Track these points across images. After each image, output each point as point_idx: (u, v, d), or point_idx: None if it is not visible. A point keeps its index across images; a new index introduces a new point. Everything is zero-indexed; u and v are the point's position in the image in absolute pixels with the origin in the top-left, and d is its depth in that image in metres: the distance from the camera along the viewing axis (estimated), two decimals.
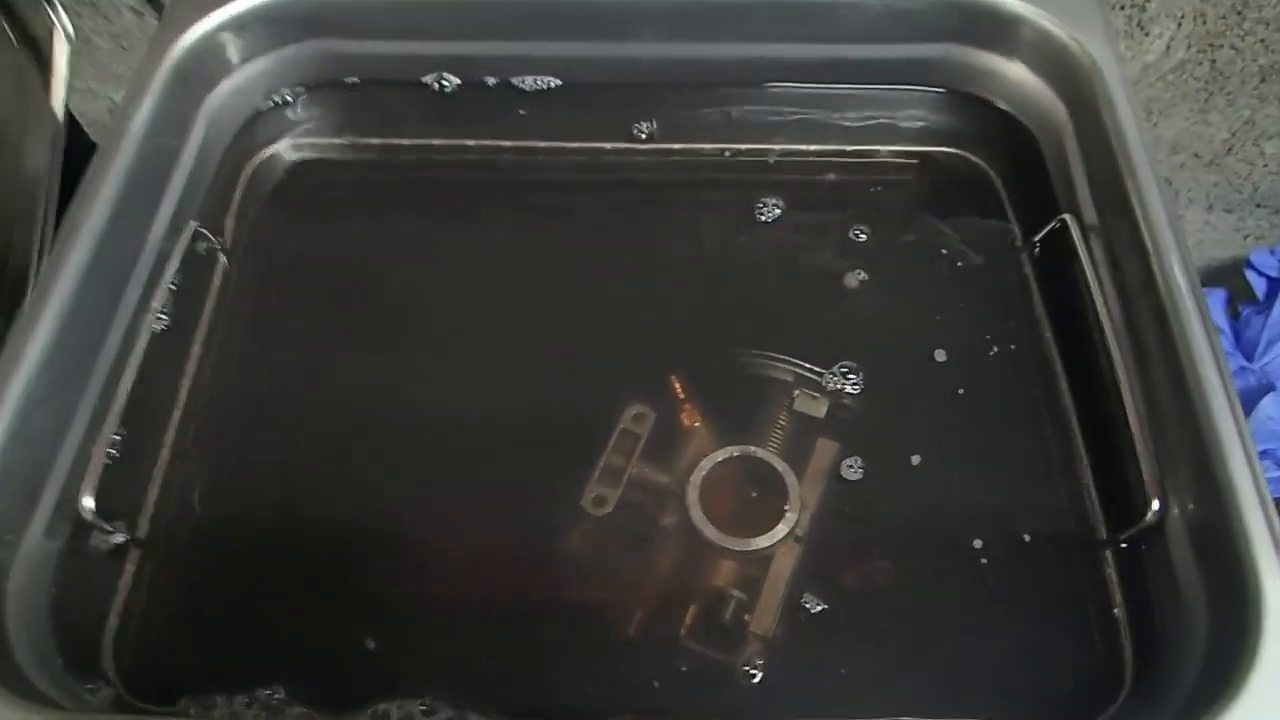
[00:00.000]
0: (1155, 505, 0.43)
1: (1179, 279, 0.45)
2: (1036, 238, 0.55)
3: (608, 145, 0.61)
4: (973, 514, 0.47)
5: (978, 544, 0.46)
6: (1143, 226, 0.47)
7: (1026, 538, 0.46)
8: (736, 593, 0.46)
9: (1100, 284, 0.50)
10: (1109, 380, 0.47)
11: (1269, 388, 0.92)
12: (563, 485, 0.49)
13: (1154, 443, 0.44)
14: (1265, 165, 0.95)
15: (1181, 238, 0.47)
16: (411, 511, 0.49)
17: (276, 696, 0.42)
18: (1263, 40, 0.84)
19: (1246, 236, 1.04)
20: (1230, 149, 0.94)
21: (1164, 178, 0.82)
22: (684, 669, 0.44)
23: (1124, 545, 0.45)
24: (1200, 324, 0.44)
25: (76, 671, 0.42)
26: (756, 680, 0.43)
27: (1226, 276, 1.06)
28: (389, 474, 0.50)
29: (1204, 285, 1.07)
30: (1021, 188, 0.58)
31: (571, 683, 0.44)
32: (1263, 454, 0.90)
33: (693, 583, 0.46)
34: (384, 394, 0.52)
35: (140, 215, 0.51)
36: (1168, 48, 0.85)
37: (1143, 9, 0.81)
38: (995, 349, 0.52)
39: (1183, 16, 0.82)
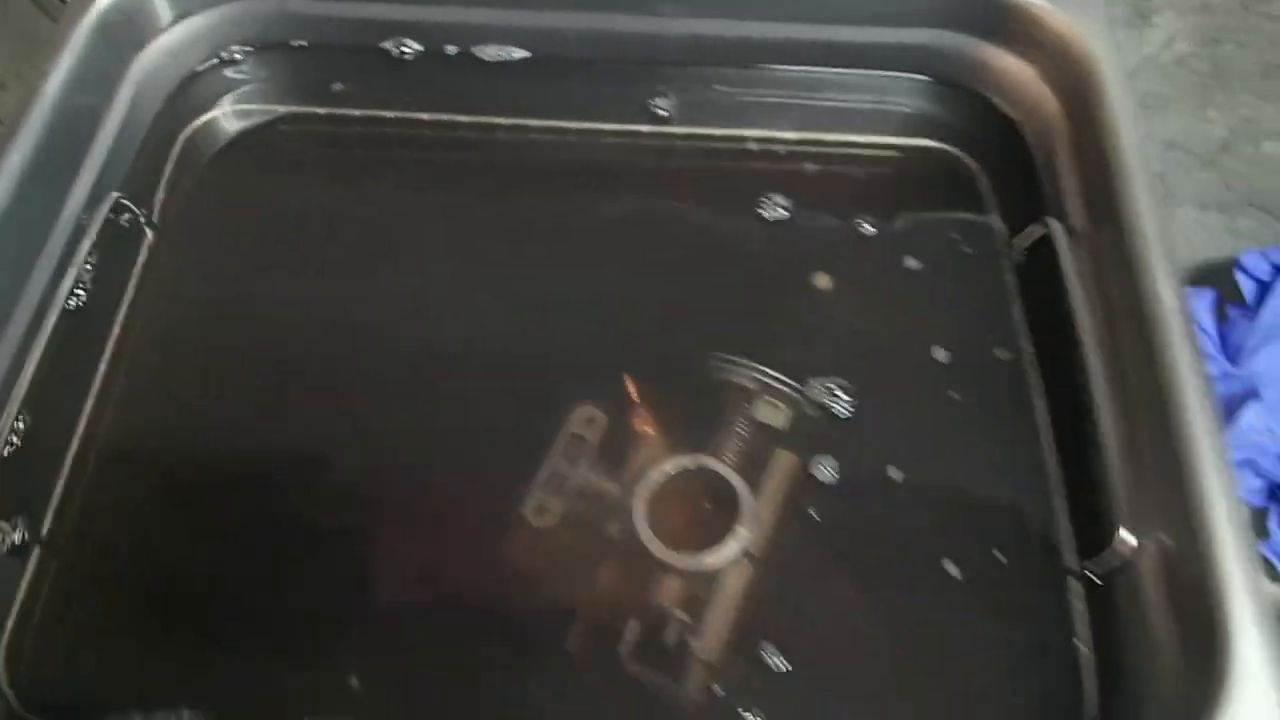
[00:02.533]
0: (1126, 536, 0.40)
1: (1166, 298, 0.42)
2: (1020, 242, 0.52)
3: (572, 125, 0.58)
4: (942, 533, 0.44)
5: (951, 567, 0.43)
6: (1130, 238, 0.44)
7: (998, 560, 0.43)
8: (683, 614, 0.43)
9: (1084, 295, 0.47)
10: (1086, 398, 0.44)
11: (1252, 394, 0.90)
12: (504, 491, 0.46)
13: (1129, 468, 0.42)
14: (1262, 165, 0.93)
15: (1171, 252, 0.44)
16: (338, 512, 0.46)
17: (184, 715, 0.39)
18: (1268, 37, 0.80)
19: (1239, 237, 1.01)
20: (1227, 147, 0.91)
21: (1158, 178, 0.79)
22: (622, 692, 0.41)
23: (1092, 574, 0.42)
24: (1186, 348, 0.41)
25: None
26: (700, 706, 0.41)
27: (1217, 277, 1.03)
28: (319, 473, 0.47)
29: (1193, 285, 1.04)
30: (1008, 186, 0.55)
31: (498, 701, 0.41)
32: (1243, 463, 0.88)
33: (636, 601, 0.43)
34: (319, 386, 0.49)
35: (53, 185, 0.48)
36: (1169, 40, 0.81)
37: None
38: (976, 358, 0.49)
39: (1186, 8, 0.79)
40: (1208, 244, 1.03)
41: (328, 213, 0.55)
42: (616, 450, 0.47)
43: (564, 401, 0.48)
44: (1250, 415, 0.87)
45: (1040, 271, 0.50)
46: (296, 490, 0.46)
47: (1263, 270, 0.98)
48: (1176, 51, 0.82)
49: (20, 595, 0.41)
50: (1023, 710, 0.41)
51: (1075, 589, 0.43)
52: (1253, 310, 0.97)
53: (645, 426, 0.48)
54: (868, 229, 0.54)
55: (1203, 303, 1.01)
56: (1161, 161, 0.93)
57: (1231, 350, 0.98)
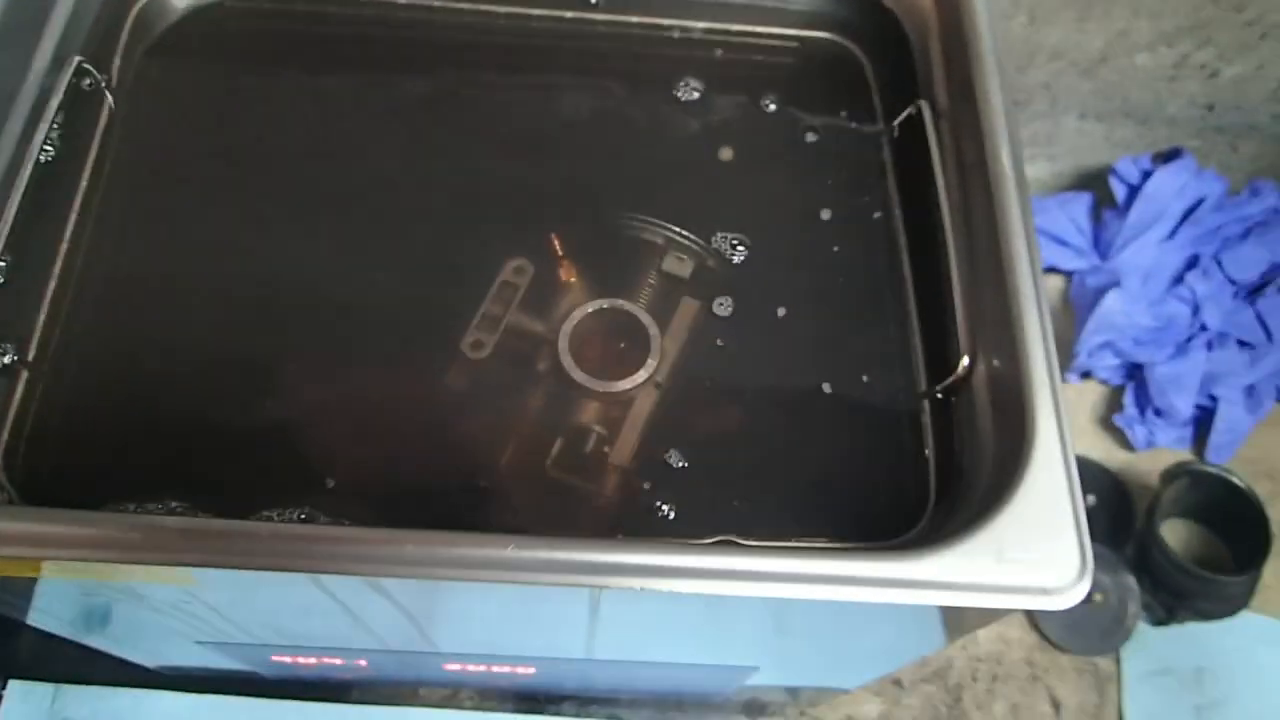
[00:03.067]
0: (965, 361, 0.49)
1: (1005, 163, 0.50)
2: (895, 121, 0.59)
3: (502, 8, 0.63)
4: (820, 361, 0.52)
5: (826, 388, 0.52)
6: (980, 113, 0.52)
7: (866, 383, 0.52)
8: (599, 429, 0.51)
9: (944, 165, 0.55)
10: (942, 250, 0.53)
11: (1115, 284, 1.00)
12: (445, 330, 0.52)
13: (970, 306, 0.50)
14: (1136, 76, 1.02)
15: (1014, 127, 0.52)
16: (297, 344, 0.52)
17: (171, 505, 0.45)
18: None
19: (1115, 145, 1.11)
20: (1105, 59, 1.00)
21: (1046, 86, 0.87)
22: (548, 493, 0.49)
23: (939, 395, 0.51)
24: (1018, 205, 0.49)
25: None
26: (616, 502, 0.49)
27: (1095, 183, 1.13)
28: (278, 310, 0.53)
29: (1072, 190, 1.15)
30: (889, 72, 0.62)
31: (443, 501, 0.48)
32: (1103, 345, 1.00)
33: (560, 420, 0.51)
34: (272, 235, 0.55)
35: (18, 49, 0.51)
36: None
37: None
38: (856, 218, 0.57)
39: None
40: (1087, 151, 1.12)
41: (271, 83, 0.60)
42: (543, 296, 0.54)
43: (497, 255, 0.55)
44: (1110, 300, 0.98)
45: (912, 145, 0.58)
46: (252, 319, 0.52)
47: (1134, 176, 1.09)
48: None
49: (13, 409, 0.47)
50: (876, 500, 0.50)
51: (926, 407, 0.52)
52: (1124, 212, 1.08)
53: (568, 276, 0.55)
54: (769, 110, 0.61)
55: (1080, 206, 1.12)
56: (1046, 71, 1.01)
57: (1104, 248, 1.08)
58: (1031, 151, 1.13)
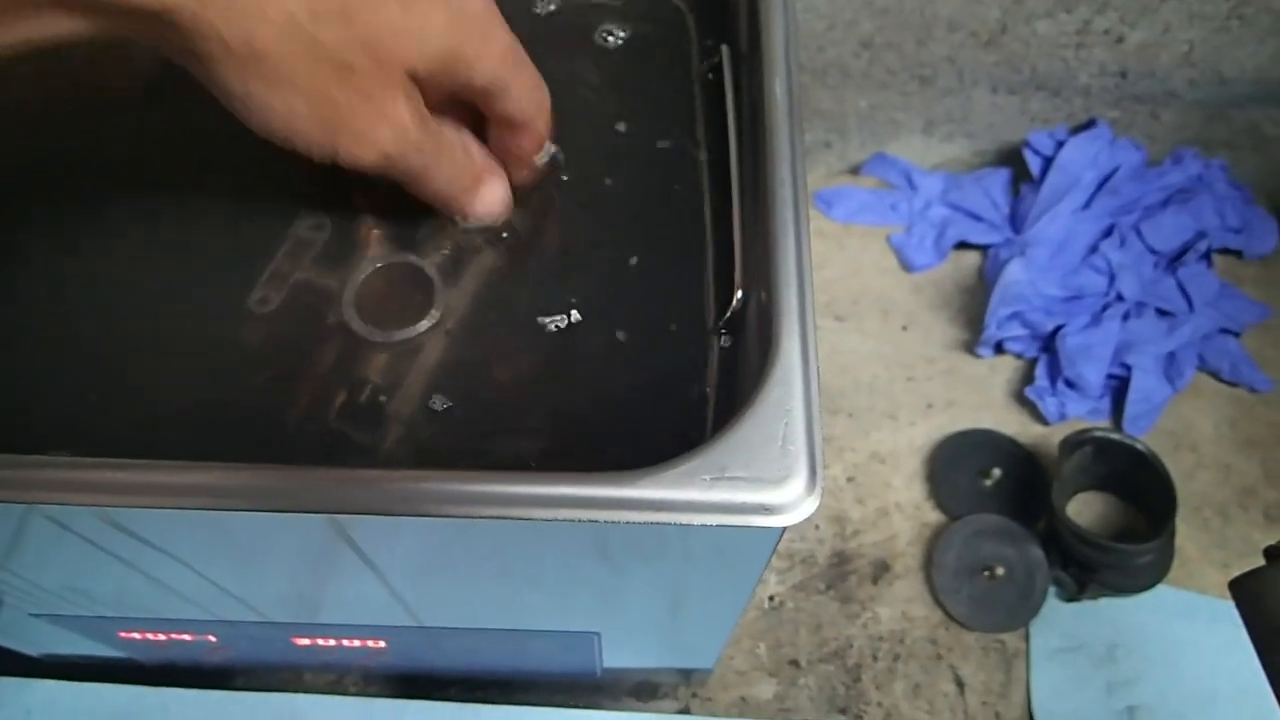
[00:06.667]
0: (739, 294, 0.48)
1: (778, 92, 0.50)
2: (706, 68, 0.59)
3: None
4: (612, 304, 0.52)
5: (620, 335, 0.51)
6: (763, 51, 0.52)
7: (653, 318, 0.51)
8: (379, 380, 0.50)
9: (738, 105, 0.54)
10: (730, 186, 0.52)
11: (1020, 255, 0.99)
12: (235, 285, 0.52)
13: (747, 241, 0.49)
14: (1040, 46, 1.00)
15: (791, 63, 0.51)
16: (80, 285, 0.52)
17: None
18: None
19: (1032, 119, 1.10)
20: (1004, 28, 0.98)
21: (939, 55, 0.86)
22: (329, 445, 0.49)
23: (724, 331, 0.50)
24: (785, 136, 0.48)
25: None
26: (395, 451, 0.48)
27: (1017, 159, 1.12)
28: (77, 260, 0.53)
29: (991, 165, 1.13)
30: (707, 23, 0.62)
31: (223, 450, 0.48)
32: (1012, 316, 0.98)
33: (342, 372, 0.50)
34: (79, 188, 0.55)
35: None
36: None
37: None
38: (671, 157, 0.57)
39: None
40: (1004, 126, 1.11)
41: None
42: (336, 252, 0.54)
43: (293, 210, 0.55)
44: (1012, 270, 0.96)
45: (721, 90, 0.58)
46: (50, 271, 0.53)
47: (1048, 147, 1.07)
48: None
49: None
50: (650, 437, 0.49)
51: (713, 344, 0.51)
52: (1039, 185, 1.06)
53: (365, 232, 0.55)
54: (588, 79, 0.61)
55: (996, 181, 1.10)
56: (947, 44, 1.00)
57: (1019, 222, 1.07)
58: (948, 129, 1.12)
